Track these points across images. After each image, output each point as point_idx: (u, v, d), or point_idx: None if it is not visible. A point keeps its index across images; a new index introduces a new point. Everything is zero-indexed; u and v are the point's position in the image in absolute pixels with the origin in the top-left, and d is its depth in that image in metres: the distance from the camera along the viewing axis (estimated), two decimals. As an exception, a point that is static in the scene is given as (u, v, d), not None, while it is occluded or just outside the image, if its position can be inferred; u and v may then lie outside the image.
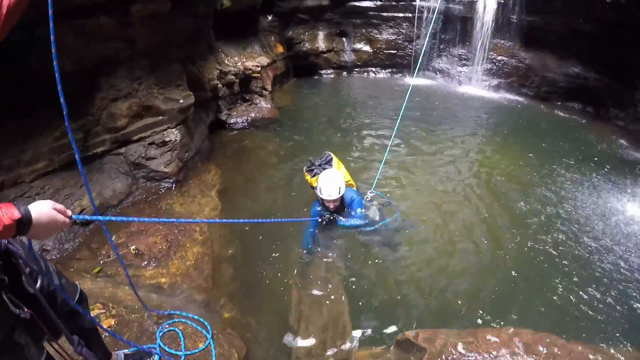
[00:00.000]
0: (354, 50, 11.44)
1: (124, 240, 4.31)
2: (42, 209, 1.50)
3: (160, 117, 5.37)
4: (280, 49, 10.17)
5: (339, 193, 4.28)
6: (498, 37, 10.08)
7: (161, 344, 2.96)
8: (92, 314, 3.02)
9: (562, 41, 9.27)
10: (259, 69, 8.59)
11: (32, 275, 1.73)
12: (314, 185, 4.53)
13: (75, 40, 4.44)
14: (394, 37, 11.22)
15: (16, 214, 1.39)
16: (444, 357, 2.89)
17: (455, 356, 2.87)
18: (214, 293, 3.95)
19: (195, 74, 6.59)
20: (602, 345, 3.31)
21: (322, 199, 4.35)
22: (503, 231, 5.05)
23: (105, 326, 2.96)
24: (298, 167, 5.66)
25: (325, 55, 11.31)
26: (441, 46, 10.94)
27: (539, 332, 3.13)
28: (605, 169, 6.63)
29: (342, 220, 4.47)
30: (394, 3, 10.91)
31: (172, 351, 2.93)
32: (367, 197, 4.90)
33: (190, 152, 5.88)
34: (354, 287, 4.13)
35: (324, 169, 4.56)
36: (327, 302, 3.95)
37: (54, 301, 1.84)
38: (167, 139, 5.40)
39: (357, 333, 3.62)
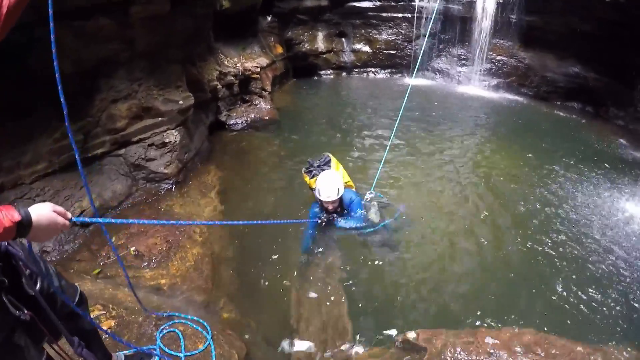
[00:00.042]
0: (354, 51, 11.44)
1: (123, 242, 4.31)
2: (42, 212, 1.51)
3: (159, 119, 5.37)
4: (279, 49, 10.17)
5: (338, 194, 4.27)
6: (497, 37, 10.08)
7: (161, 345, 2.96)
8: (92, 316, 3.02)
9: (562, 41, 9.27)
10: (259, 69, 8.59)
11: (32, 277, 1.73)
12: (313, 186, 4.53)
13: (75, 41, 4.44)
14: (393, 37, 11.23)
15: (16, 216, 1.39)
16: (443, 357, 2.89)
17: (455, 356, 2.88)
18: (213, 294, 3.95)
19: (194, 75, 6.60)
20: (602, 345, 3.31)
21: (320, 200, 4.35)
22: (503, 231, 5.06)
23: (105, 327, 2.96)
24: (298, 168, 5.66)
25: (324, 55, 11.31)
26: (440, 46, 10.95)
27: (539, 332, 3.14)
28: (605, 169, 6.64)
29: (342, 221, 4.46)
30: (393, 3, 10.91)
31: (173, 352, 2.93)
32: (367, 198, 4.90)
33: (190, 153, 5.88)
34: (353, 288, 4.14)
35: (323, 170, 4.56)
36: (327, 303, 3.95)
37: (54, 303, 1.84)
38: (167, 140, 5.41)
39: (356, 334, 3.62)
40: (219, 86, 7.55)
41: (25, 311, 1.61)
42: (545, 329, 3.36)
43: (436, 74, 11.15)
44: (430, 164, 6.72)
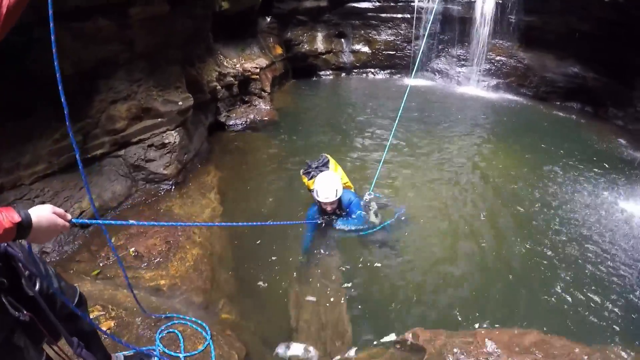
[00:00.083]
0: (353, 52, 11.46)
1: (123, 242, 4.31)
2: (42, 213, 1.51)
3: (159, 119, 5.37)
4: (279, 50, 10.19)
5: (336, 195, 4.26)
6: (497, 38, 10.11)
7: (161, 346, 2.96)
8: (91, 316, 3.03)
9: (561, 41, 9.29)
10: (258, 70, 8.60)
11: (31, 278, 1.74)
12: (311, 188, 4.53)
13: (74, 42, 4.44)
14: (392, 38, 11.24)
15: (16, 218, 1.40)
16: (443, 357, 2.89)
17: (454, 357, 2.88)
18: (213, 295, 3.94)
19: (194, 76, 6.60)
20: (602, 345, 3.31)
21: (319, 201, 4.34)
22: (502, 232, 5.06)
23: (104, 328, 2.96)
24: (297, 169, 5.66)
25: (324, 56, 11.33)
26: (440, 47, 10.97)
27: (539, 332, 3.14)
28: (604, 169, 6.64)
29: (341, 222, 4.46)
30: (392, 4, 10.94)
31: (172, 353, 2.93)
32: (366, 199, 4.90)
33: (189, 154, 5.88)
34: (353, 288, 4.14)
35: (321, 171, 4.55)
36: (327, 304, 3.95)
37: (53, 304, 1.84)
38: (166, 141, 5.41)
39: (356, 335, 3.62)
40: (219, 87, 7.55)
41: (25, 312, 1.61)
42: (545, 329, 3.36)
43: (435, 75, 11.16)
44: (429, 164, 6.73)
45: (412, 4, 10.68)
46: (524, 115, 9.21)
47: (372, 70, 11.68)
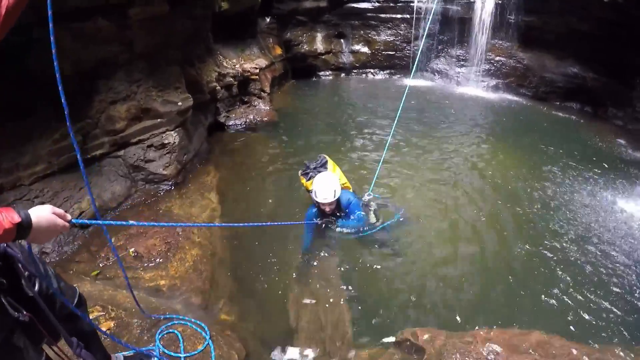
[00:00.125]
0: (352, 52, 11.46)
1: (123, 243, 4.30)
2: (41, 213, 1.51)
3: (158, 120, 5.37)
4: (278, 50, 10.19)
5: (334, 196, 4.24)
6: (496, 38, 10.12)
7: (160, 346, 2.96)
8: (91, 317, 3.03)
9: (560, 41, 9.30)
10: (258, 71, 8.61)
11: (30, 278, 1.74)
12: (310, 188, 4.51)
13: (74, 42, 4.45)
14: (392, 38, 11.25)
15: (16, 218, 1.40)
16: (443, 357, 2.89)
17: (454, 357, 2.88)
18: (213, 295, 3.94)
19: (193, 76, 6.60)
20: (601, 345, 3.31)
21: (317, 202, 4.31)
22: (502, 232, 5.06)
23: (104, 329, 2.96)
24: (297, 169, 5.66)
25: (323, 56, 11.34)
26: (439, 47, 10.97)
27: (539, 332, 3.14)
28: (604, 169, 6.65)
29: (341, 223, 4.45)
30: (392, 4, 10.94)
31: (172, 353, 2.93)
32: (365, 199, 4.90)
33: (189, 154, 5.88)
34: (352, 289, 4.13)
35: (319, 172, 4.52)
36: (327, 304, 3.95)
37: (52, 304, 1.84)
38: (166, 142, 5.41)
39: (356, 335, 3.62)
40: (218, 87, 7.55)
41: (24, 312, 1.61)
42: (545, 329, 3.36)
43: (435, 75, 11.17)
44: (428, 164, 6.73)
45: (411, 4, 10.69)
46: (523, 116, 9.22)
47: (372, 70, 11.69)
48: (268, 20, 10.16)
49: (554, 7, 8.99)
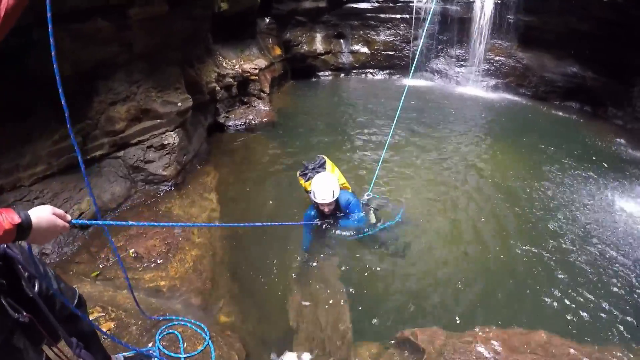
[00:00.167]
0: (352, 52, 11.47)
1: (123, 244, 4.31)
2: (41, 214, 1.51)
3: (158, 121, 5.37)
4: (278, 51, 10.19)
5: (333, 196, 4.22)
6: (495, 38, 10.12)
7: (160, 347, 2.96)
8: (91, 318, 3.03)
9: (560, 41, 9.30)
10: (257, 71, 8.61)
11: (30, 279, 1.74)
12: (308, 189, 4.50)
13: (73, 43, 4.44)
14: (391, 38, 11.26)
15: (16, 219, 1.40)
16: (443, 357, 2.89)
17: (454, 357, 2.88)
18: (212, 296, 3.94)
19: (193, 77, 6.60)
20: (601, 345, 3.32)
21: (316, 202, 4.30)
22: (501, 232, 5.06)
23: (104, 329, 2.96)
24: (296, 169, 5.65)
25: (323, 57, 11.34)
26: (439, 47, 10.98)
27: (538, 332, 3.14)
28: (604, 168, 6.65)
29: (341, 223, 4.44)
30: (391, 4, 10.95)
31: (172, 354, 2.93)
32: (364, 199, 4.90)
33: (188, 155, 5.88)
34: (352, 289, 4.13)
35: (318, 172, 4.50)
36: (327, 304, 3.95)
37: (52, 305, 1.85)
38: (166, 142, 5.41)
39: (356, 335, 3.62)
40: (218, 88, 7.55)
41: (24, 313, 1.61)
42: (545, 329, 3.36)
43: (434, 75, 11.17)
44: (428, 164, 6.73)
45: (410, 4, 10.70)
46: (523, 115, 9.22)
47: (371, 70, 11.69)
48: (267, 20, 10.16)
49: (553, 7, 9.00)
